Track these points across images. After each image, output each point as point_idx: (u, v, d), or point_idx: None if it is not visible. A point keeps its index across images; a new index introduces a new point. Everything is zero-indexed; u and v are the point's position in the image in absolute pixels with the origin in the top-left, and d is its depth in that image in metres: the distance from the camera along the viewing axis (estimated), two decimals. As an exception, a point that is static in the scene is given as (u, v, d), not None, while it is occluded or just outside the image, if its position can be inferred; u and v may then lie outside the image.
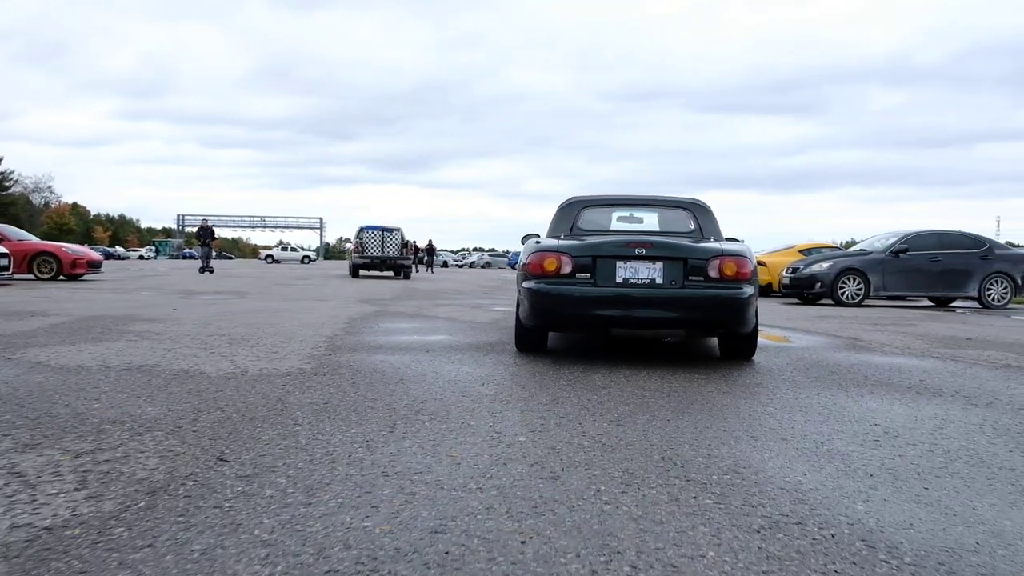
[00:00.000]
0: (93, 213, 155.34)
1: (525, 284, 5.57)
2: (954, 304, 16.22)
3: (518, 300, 6.06)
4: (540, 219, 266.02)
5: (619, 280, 5.38)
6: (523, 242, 6.68)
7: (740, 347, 5.98)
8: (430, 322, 8.92)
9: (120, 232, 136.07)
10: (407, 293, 16.14)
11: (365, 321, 8.78)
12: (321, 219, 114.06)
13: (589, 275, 5.41)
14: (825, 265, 14.85)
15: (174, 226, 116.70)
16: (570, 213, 6.71)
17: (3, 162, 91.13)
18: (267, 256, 74.17)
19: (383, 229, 26.62)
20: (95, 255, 20.02)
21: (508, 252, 73.82)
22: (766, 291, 18.98)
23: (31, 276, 18.35)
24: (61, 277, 18.52)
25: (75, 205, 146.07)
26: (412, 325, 8.48)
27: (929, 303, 16.45)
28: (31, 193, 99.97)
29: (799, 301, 16.04)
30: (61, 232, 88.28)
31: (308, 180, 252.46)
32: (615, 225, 6.92)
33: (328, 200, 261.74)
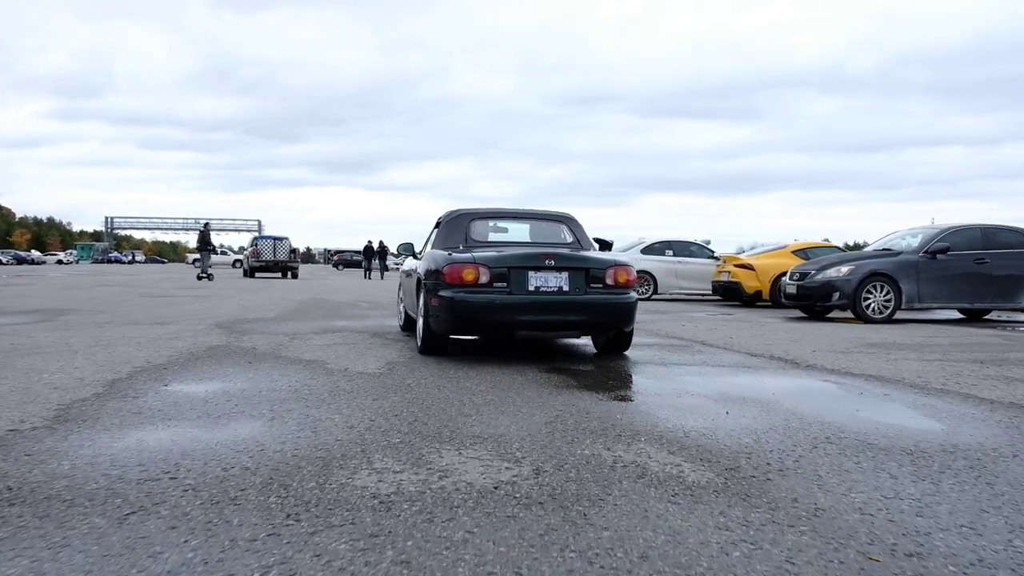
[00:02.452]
0: (19, 215, 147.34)
1: (443, 293, 6.08)
2: (992, 316, 13.05)
3: (422, 307, 6.60)
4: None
5: (531, 288, 6.07)
6: (401, 251, 8.37)
7: (622, 343, 6.93)
8: (270, 377, 5.19)
9: (44, 235, 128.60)
10: (312, 306, 12.35)
11: (148, 380, 4.98)
12: (259, 221, 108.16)
13: (505, 284, 6.05)
14: (844, 270, 11.49)
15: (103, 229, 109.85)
16: (459, 225, 7.26)
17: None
18: (195, 260, 69.04)
19: (274, 238, 32.57)
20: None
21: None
22: (752, 300, 15.63)
23: None
24: None
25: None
26: (221, 389, 4.70)
27: (959, 315, 13.25)
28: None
29: (805, 315, 12.68)
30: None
31: (252, 182, 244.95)
32: (501, 236, 7.44)
33: (272, 202, 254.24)
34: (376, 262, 39.64)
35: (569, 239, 7.37)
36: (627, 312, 6.34)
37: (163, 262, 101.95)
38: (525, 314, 6.07)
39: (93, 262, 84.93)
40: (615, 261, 6.49)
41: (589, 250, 7.07)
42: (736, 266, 15.96)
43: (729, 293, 16.25)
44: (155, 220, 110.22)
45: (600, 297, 6.20)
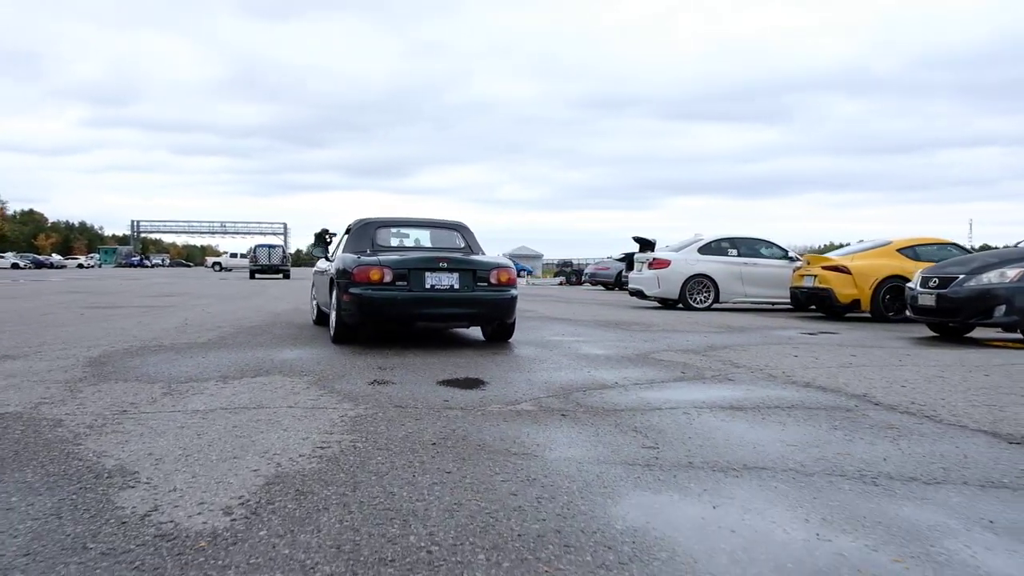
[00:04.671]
0: (52, 221, 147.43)
1: (352, 290, 6.97)
2: None
3: (335, 303, 7.41)
4: (515, 224, 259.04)
5: (428, 286, 7.07)
6: (315, 252, 9.50)
7: (504, 333, 8.02)
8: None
9: (73, 240, 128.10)
10: (279, 323, 9.27)
11: None
12: (285, 224, 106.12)
13: (405, 283, 7.03)
14: (1012, 273, 8.11)
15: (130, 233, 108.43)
16: (366, 232, 8.20)
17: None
18: (215, 263, 66.86)
19: (269, 246, 39.75)
20: None
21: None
22: (845, 311, 12.23)
23: None
24: None
25: (31, 212, 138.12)
26: None
27: None
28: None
29: (935, 333, 9.30)
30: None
31: (280, 187, 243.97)
32: (404, 242, 8.55)
33: (300, 207, 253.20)
34: None
35: (461, 244, 8.47)
36: (508, 306, 7.45)
37: (188, 266, 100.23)
38: (423, 308, 7.07)
39: (116, 266, 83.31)
40: (497, 264, 7.56)
41: (478, 254, 8.13)
42: (826, 268, 12.53)
43: (816, 302, 12.84)
44: (182, 224, 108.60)
45: (485, 294, 7.29)
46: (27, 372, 5.25)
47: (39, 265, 68.75)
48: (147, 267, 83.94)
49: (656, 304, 15.80)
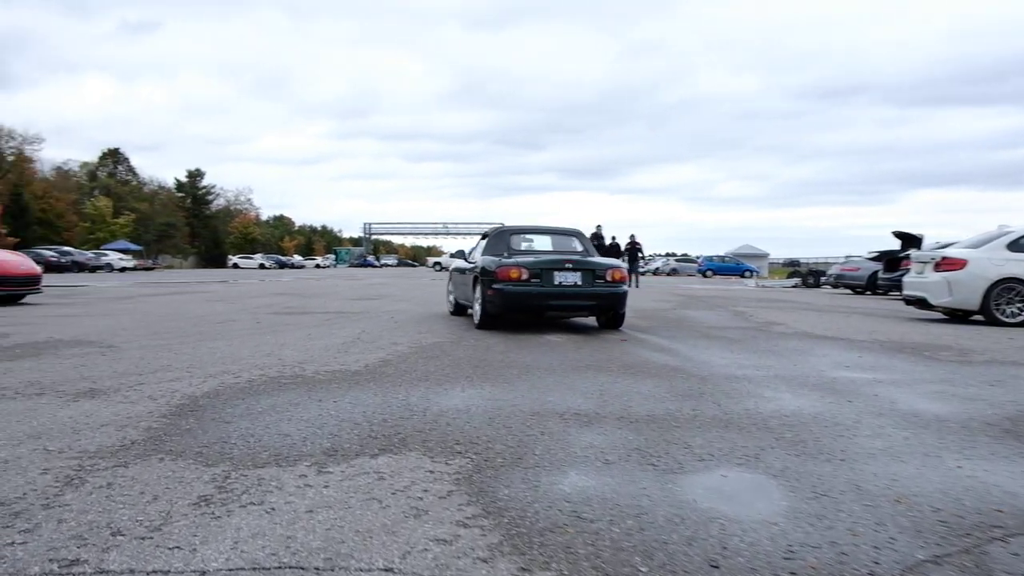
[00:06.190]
0: (298, 225, 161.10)
1: (495, 286, 8.51)
2: None
3: (480, 296, 8.94)
4: (734, 223, 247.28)
5: (556, 283, 8.56)
6: (454, 256, 12.16)
7: (616, 322, 9.39)
8: None
9: (313, 241, 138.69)
10: (489, 332, 7.38)
11: None
12: (503, 224, 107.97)
13: (539, 280, 8.54)
14: None
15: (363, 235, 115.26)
16: (502, 238, 9.79)
17: (206, 177, 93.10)
18: (435, 263, 68.44)
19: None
20: (19, 266, 12.82)
21: (699, 258, 62.03)
22: None
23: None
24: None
25: (280, 217, 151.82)
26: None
27: None
28: (232, 206, 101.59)
29: None
30: (245, 241, 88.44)
31: (501, 189, 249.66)
32: (531, 246, 10.02)
33: (519, 208, 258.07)
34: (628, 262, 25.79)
35: (579, 248, 10.02)
36: (620, 299, 9.02)
37: (413, 265, 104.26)
38: (552, 300, 8.67)
39: (349, 266, 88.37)
40: (612, 264, 9.15)
41: (594, 256, 9.70)
42: None
43: None
44: (408, 225, 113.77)
45: (603, 289, 8.79)
46: (77, 424, 3.62)
47: (281, 265, 74.23)
48: (376, 267, 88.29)
49: (941, 316, 12.33)
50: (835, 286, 26.79)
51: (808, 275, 33.55)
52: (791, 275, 39.03)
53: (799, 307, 15.23)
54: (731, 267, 54.62)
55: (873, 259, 24.14)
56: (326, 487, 2.74)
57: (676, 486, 2.85)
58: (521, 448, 3.37)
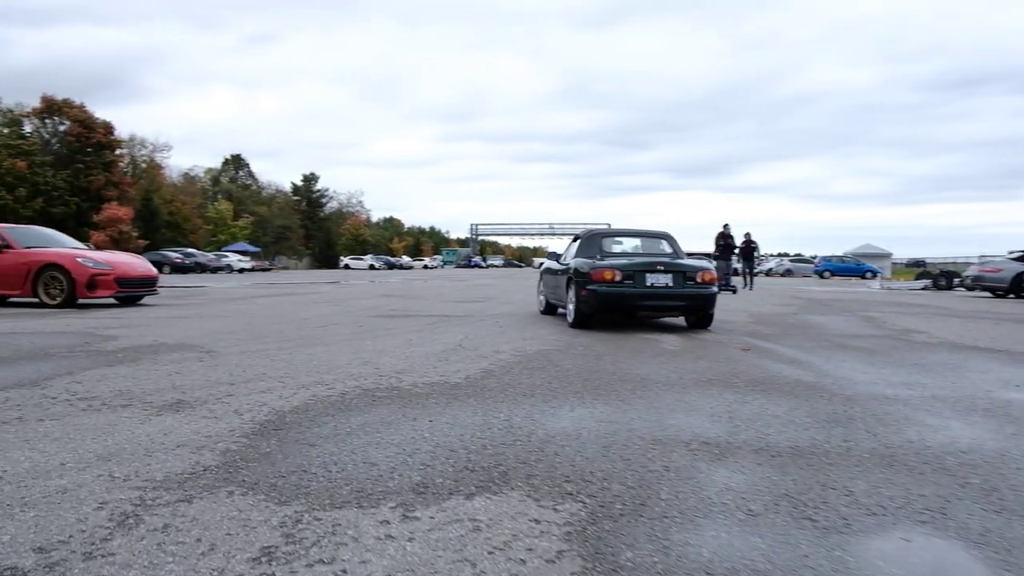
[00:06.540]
0: (407, 226, 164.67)
1: (590, 287, 8.88)
2: None
3: (573, 297, 9.29)
4: (851, 221, 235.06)
5: (648, 284, 8.90)
6: (549, 258, 11.83)
7: (705, 322, 9.59)
8: None
9: (422, 242, 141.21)
10: (598, 336, 6.87)
11: None
12: (609, 225, 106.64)
13: (631, 281, 8.89)
14: None
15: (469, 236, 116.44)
16: (594, 241, 10.06)
17: (320, 181, 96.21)
18: (540, 263, 68.24)
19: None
20: (136, 268, 13.15)
21: (815, 257, 58.85)
22: None
23: (36, 299, 12.01)
24: (81, 301, 11.98)
25: (391, 219, 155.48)
26: None
27: None
28: (344, 208, 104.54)
29: None
30: (356, 243, 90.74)
31: (607, 189, 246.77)
32: (621, 248, 10.26)
33: (625, 208, 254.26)
34: (738, 264, 24.36)
35: (668, 250, 10.11)
36: (710, 300, 9.27)
37: (519, 266, 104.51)
38: (644, 300, 9.00)
39: (456, 266, 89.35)
40: (703, 267, 9.35)
41: (683, 258, 9.73)
42: None
43: None
44: (514, 226, 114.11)
45: (693, 290, 9.08)
46: (152, 444, 3.32)
47: (390, 266, 75.72)
48: (482, 267, 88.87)
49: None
50: (971, 288, 24.73)
51: (940, 276, 31.16)
52: (920, 276, 36.48)
53: (937, 312, 13.92)
54: (851, 267, 51.74)
55: (1016, 259, 22.10)
56: (410, 540, 2.28)
57: (847, 554, 2.24)
58: (643, 489, 2.83)
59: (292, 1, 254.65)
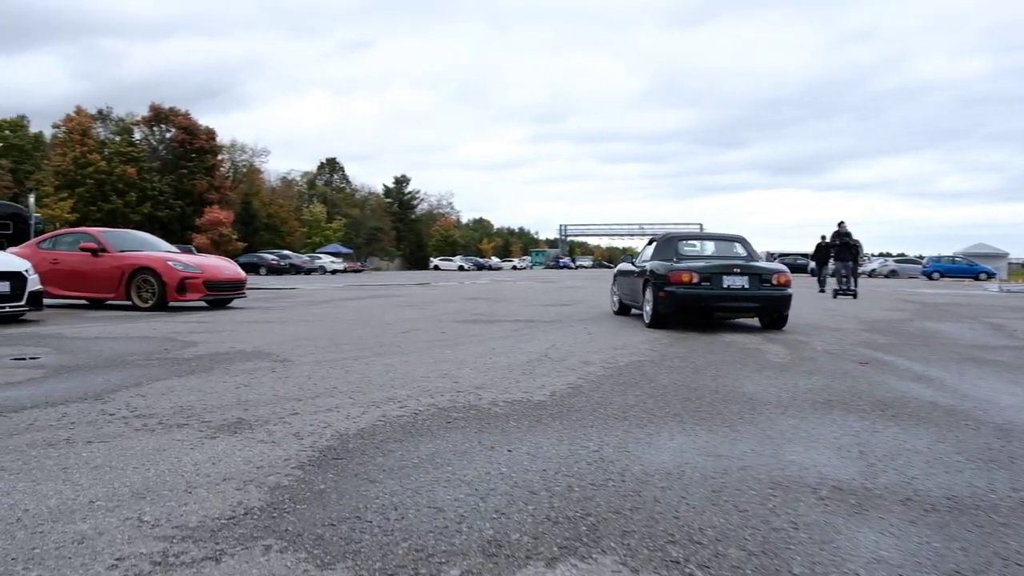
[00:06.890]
0: (496, 227, 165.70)
1: (667, 288, 9.10)
2: None
3: (651, 298, 9.50)
4: (960, 219, 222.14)
5: (724, 286, 9.10)
6: (623, 260, 14.30)
7: (779, 322, 9.67)
8: None
9: (511, 243, 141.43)
10: (695, 345, 6.30)
11: None
12: (701, 225, 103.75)
13: (708, 283, 9.08)
14: None
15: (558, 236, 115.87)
16: (670, 244, 10.30)
17: (411, 183, 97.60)
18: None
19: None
20: (224, 271, 13.20)
21: (923, 258, 55.41)
22: None
23: (129, 302, 12.19)
24: (173, 303, 12.09)
25: (480, 220, 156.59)
26: None
27: None
28: (434, 210, 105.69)
29: None
30: (446, 244, 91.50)
31: (698, 189, 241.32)
32: (696, 251, 10.54)
33: (717, 208, 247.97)
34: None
35: (743, 253, 10.30)
36: (785, 301, 9.41)
37: (609, 267, 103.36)
38: (720, 302, 9.24)
39: (545, 267, 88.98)
40: (778, 269, 9.57)
41: (758, 261, 10.08)
42: None
43: None
44: (603, 227, 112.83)
45: (769, 292, 9.27)
46: (197, 476, 2.96)
47: (479, 267, 75.93)
48: (571, 268, 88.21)
49: None
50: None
51: (1067, 278, 28.74)
52: (1044, 278, 33.82)
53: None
54: (963, 268, 48.58)
55: None
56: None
57: None
58: (769, 558, 2.26)
59: (385, 7, 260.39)
